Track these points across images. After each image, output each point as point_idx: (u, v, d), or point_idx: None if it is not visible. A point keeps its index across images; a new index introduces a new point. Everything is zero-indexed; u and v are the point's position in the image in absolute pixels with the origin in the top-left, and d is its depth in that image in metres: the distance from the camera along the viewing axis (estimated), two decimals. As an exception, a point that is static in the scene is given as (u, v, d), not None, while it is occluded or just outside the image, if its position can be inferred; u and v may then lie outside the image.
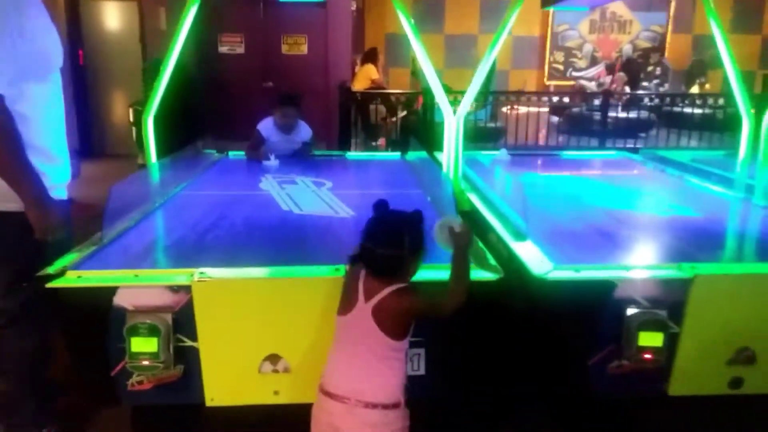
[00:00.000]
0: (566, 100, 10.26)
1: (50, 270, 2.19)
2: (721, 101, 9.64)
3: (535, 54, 15.76)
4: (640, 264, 2.29)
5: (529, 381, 2.34)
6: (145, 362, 2.09)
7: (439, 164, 4.42)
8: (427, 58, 3.50)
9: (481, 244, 2.51)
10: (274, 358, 2.21)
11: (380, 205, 2.00)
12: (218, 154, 4.72)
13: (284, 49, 9.30)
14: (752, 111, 3.49)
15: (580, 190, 3.72)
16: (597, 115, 9.70)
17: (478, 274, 2.19)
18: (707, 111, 10.27)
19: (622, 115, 9.53)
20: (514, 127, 8.92)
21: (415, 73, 13.22)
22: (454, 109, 3.57)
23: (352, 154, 4.90)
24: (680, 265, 2.25)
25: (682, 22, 15.33)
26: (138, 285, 2.12)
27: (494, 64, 12.13)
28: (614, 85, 13.07)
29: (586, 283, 2.21)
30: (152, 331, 2.07)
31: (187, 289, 2.12)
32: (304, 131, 4.70)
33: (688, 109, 10.63)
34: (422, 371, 2.25)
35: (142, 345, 2.07)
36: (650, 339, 2.17)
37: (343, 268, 2.15)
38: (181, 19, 3.50)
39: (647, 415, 2.46)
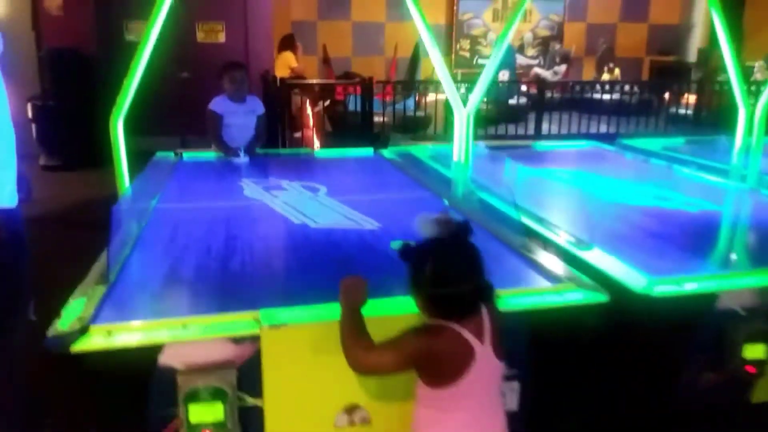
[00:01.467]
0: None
1: (62, 326, 1.69)
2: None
3: (441, 42, 15.75)
4: (735, 273, 2.14)
5: (622, 402, 2.14)
6: (208, 434, 1.66)
7: (425, 161, 4.15)
8: (437, 48, 3.19)
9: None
10: (351, 409, 1.85)
11: (408, 249, 1.58)
12: (175, 156, 4.15)
13: (200, 36, 8.59)
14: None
15: (586, 184, 3.59)
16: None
17: (582, 296, 1.94)
18: (617, 97, 10.71)
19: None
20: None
21: (327, 61, 12.79)
22: (463, 100, 3.29)
23: (321, 152, 4.50)
24: (772, 269, 2.14)
25: (577, 11, 15.94)
26: (190, 339, 1.68)
27: (417, 51, 12.02)
28: None
29: (688, 297, 2.03)
30: (217, 395, 1.65)
31: (253, 339, 1.71)
32: (257, 103, 4.42)
33: (597, 95, 11.04)
34: (515, 407, 1.98)
35: (205, 413, 1.65)
36: (755, 351, 2.04)
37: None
38: (157, 6, 2.95)
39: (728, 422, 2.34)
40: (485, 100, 9.67)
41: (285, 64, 9.54)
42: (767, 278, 2.10)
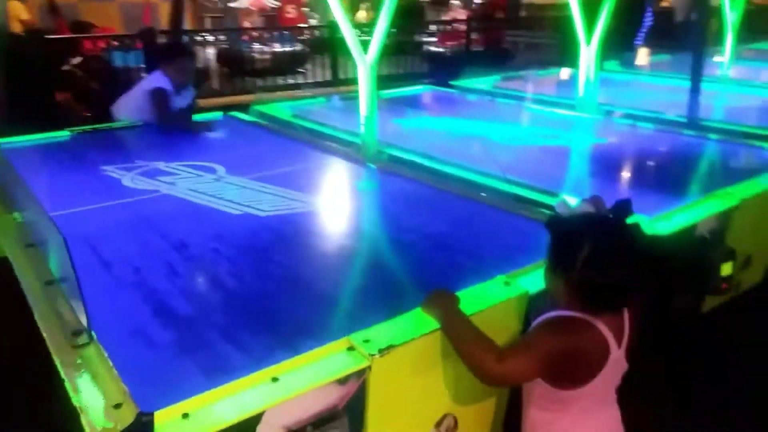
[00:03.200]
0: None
1: (100, 423, 1.17)
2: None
3: (182, -14, 14.44)
4: (697, 202, 2.34)
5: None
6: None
7: (295, 122, 3.79)
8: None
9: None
10: (439, 421, 1.64)
11: (559, 222, 1.40)
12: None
13: None
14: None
15: (464, 129, 3.63)
16: (256, 52, 9.17)
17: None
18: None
19: (280, 49, 9.31)
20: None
21: (56, 10, 10.94)
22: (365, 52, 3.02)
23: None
24: (718, 193, 2.39)
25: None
26: (294, 396, 1.29)
27: (182, 3, 10.87)
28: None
29: (679, 230, 2.17)
30: (343, 454, 1.31)
31: (359, 373, 1.37)
32: (190, 91, 3.91)
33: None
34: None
35: (332, 481, 1.30)
36: (726, 269, 2.28)
37: (503, 279, 1.69)
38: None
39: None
40: (263, 51, 9.20)
41: (14, 18, 7.92)
42: (721, 202, 2.34)
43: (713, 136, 3.31)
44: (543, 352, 1.34)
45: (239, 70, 8.99)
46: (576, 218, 1.38)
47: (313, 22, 13.14)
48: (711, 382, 2.45)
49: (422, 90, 4.93)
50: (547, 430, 1.47)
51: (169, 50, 3.95)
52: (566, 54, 5.30)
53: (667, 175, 2.81)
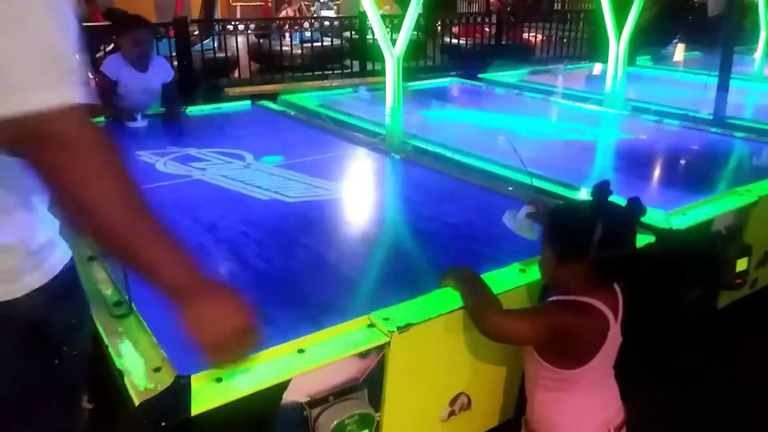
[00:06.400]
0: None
1: (142, 384, 1.28)
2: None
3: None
4: (714, 198, 2.37)
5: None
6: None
7: (323, 111, 3.88)
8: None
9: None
10: (453, 399, 1.73)
11: (563, 211, 1.57)
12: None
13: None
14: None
15: (490, 122, 3.69)
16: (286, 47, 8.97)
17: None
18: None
19: (317, 44, 9.02)
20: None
21: (91, -2, 11.15)
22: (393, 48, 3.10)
23: (195, 109, 3.95)
24: (738, 190, 2.42)
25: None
26: (319, 365, 1.38)
27: (217, -9, 10.89)
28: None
29: (695, 225, 2.21)
30: (364, 422, 1.40)
31: (378, 348, 1.47)
32: (163, 68, 3.64)
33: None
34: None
35: (352, 448, 1.40)
36: (742, 264, 2.32)
37: (518, 266, 1.76)
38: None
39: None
40: (298, 46, 9.21)
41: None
42: (739, 199, 2.38)
43: (738, 134, 3.32)
44: (546, 321, 1.44)
45: (272, 67, 8.98)
46: (577, 206, 1.47)
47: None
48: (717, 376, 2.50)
49: (449, 83, 4.99)
50: (555, 409, 1.55)
51: (119, 22, 3.71)
52: (598, 48, 5.32)
53: (688, 172, 2.84)
